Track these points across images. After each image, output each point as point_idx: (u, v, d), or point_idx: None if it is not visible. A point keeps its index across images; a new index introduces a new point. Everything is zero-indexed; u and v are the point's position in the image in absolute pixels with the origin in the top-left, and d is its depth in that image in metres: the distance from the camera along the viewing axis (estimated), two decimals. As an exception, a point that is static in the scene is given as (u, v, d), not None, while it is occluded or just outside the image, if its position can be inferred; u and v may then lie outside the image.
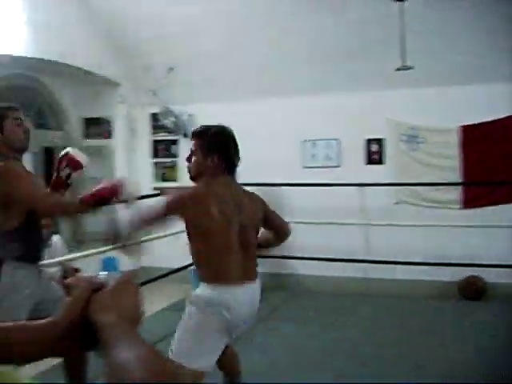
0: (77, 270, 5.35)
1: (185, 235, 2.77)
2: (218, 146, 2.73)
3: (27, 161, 6.54)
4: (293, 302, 5.93)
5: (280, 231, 3.03)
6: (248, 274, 2.72)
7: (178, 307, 5.69)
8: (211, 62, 6.51)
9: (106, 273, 1.02)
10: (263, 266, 6.29)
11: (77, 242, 6.90)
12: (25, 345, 0.95)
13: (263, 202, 2.93)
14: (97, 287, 0.96)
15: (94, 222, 7.16)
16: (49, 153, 7.01)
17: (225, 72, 6.57)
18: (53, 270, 4.98)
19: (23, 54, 5.44)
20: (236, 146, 2.81)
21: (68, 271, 5.25)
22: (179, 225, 2.78)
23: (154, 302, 5.94)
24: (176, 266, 5.81)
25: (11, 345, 0.94)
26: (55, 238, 5.35)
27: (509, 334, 4.66)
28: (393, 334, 4.80)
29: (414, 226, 5.91)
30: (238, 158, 2.81)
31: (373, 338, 4.68)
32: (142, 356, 0.79)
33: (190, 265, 5.70)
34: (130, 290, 0.96)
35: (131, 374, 0.75)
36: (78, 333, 0.92)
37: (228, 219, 2.65)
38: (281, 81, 6.43)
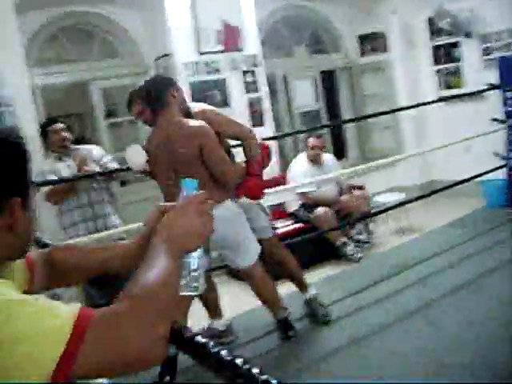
0: (360, 188, 5.43)
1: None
2: None
3: (308, 86, 6.86)
4: None
5: None
6: None
7: (460, 223, 5.45)
8: None
9: (184, 194, 1.07)
10: None
11: (364, 159, 6.98)
12: (113, 262, 1.20)
13: None
14: (165, 209, 1.08)
15: (379, 139, 7.20)
16: (328, 76, 7.12)
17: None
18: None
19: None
20: None
21: (343, 188, 5.34)
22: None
23: (436, 217, 5.77)
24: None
25: (104, 262, 1.20)
26: (328, 156, 5.43)
27: None
28: None
29: None
30: None
31: None
32: (154, 275, 0.88)
33: (478, 175, 5.35)
34: (190, 211, 1.01)
35: (130, 287, 0.86)
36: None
37: None
38: None
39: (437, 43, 6.75)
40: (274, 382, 0.64)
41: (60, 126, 3.75)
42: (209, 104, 5.24)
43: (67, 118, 5.25)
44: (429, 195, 5.23)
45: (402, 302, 3.79)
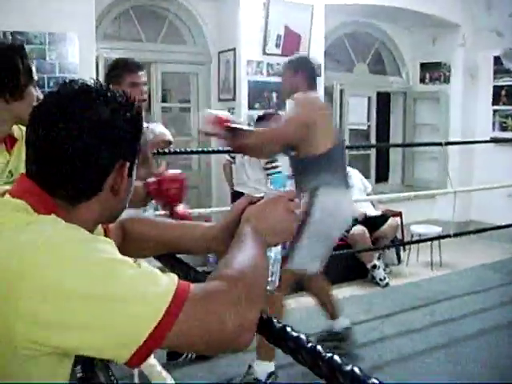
0: (397, 215, 5.39)
1: None
2: None
3: (363, 104, 6.84)
4: None
5: None
6: None
7: (496, 266, 5.37)
8: None
9: (273, 188, 1.11)
10: None
11: (405, 186, 6.92)
12: (189, 240, 1.21)
13: None
14: (253, 201, 1.09)
15: (424, 169, 7.13)
16: (383, 98, 7.08)
17: None
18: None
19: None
20: None
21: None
22: None
23: (469, 257, 5.70)
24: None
25: (180, 238, 1.21)
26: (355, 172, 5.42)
27: None
28: None
29: None
30: None
31: None
32: (246, 259, 0.89)
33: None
34: (280, 206, 1.02)
35: (222, 267, 0.88)
36: (230, 236, 1.04)
37: None
38: None
39: (499, 83, 6.66)
40: (376, 381, 0.62)
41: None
42: (264, 105, 5.38)
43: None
44: (467, 233, 5.17)
45: (425, 335, 3.74)
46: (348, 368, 0.67)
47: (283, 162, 4.08)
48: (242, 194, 4.19)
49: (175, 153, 3.68)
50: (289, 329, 0.81)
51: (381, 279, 4.84)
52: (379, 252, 5.20)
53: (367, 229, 4.93)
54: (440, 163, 6.96)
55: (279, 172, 4.50)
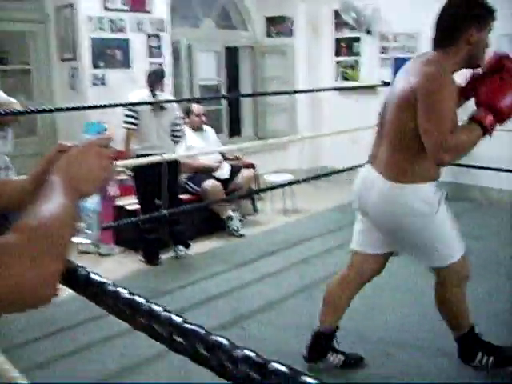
0: (250, 166, 5.56)
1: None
2: None
3: (212, 59, 6.87)
4: (474, 215, 5.53)
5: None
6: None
7: (345, 208, 5.74)
8: None
9: (86, 136, 1.02)
10: (445, 175, 6.04)
11: (258, 139, 7.10)
12: (8, 197, 1.13)
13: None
14: (63, 149, 1.02)
15: (275, 120, 7.35)
16: (232, 52, 7.14)
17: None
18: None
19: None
20: None
21: (233, 166, 5.42)
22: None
23: (320, 201, 6.04)
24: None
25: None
26: (208, 127, 5.44)
27: None
28: None
29: None
30: None
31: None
32: (49, 210, 0.84)
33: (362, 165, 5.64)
34: (91, 153, 0.97)
35: (23, 220, 0.81)
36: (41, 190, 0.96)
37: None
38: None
39: (339, 36, 6.98)
40: (178, 319, 0.65)
41: None
42: (109, 63, 5.20)
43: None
44: (314, 178, 5.46)
45: (282, 279, 3.94)
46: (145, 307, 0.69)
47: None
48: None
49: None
50: (94, 276, 0.81)
51: (235, 229, 4.99)
52: (235, 204, 5.34)
53: (220, 182, 5.02)
54: (290, 115, 7.22)
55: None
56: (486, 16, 2.26)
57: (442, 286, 2.55)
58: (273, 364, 0.55)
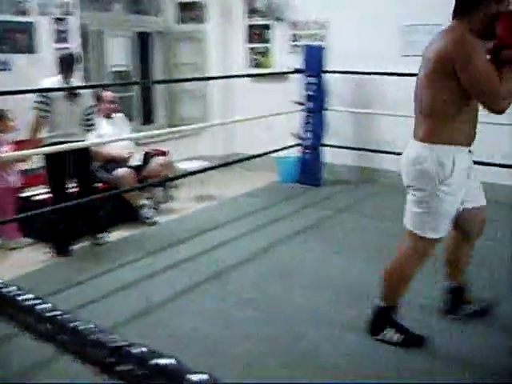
0: (163, 153, 5.54)
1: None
2: None
3: (123, 45, 6.75)
4: (376, 197, 5.79)
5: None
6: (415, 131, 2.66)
7: (256, 193, 5.89)
8: None
9: None
10: (348, 158, 6.30)
11: (172, 126, 7.06)
12: None
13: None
14: None
15: (188, 107, 7.33)
16: (144, 38, 7.04)
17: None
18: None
19: None
20: None
21: (147, 153, 5.40)
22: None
23: (235, 187, 6.14)
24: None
25: None
26: (119, 115, 5.39)
27: None
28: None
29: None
30: None
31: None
32: None
33: (274, 151, 5.80)
34: None
35: None
36: None
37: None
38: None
39: (252, 22, 7.04)
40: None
41: None
42: (12, 48, 4.99)
43: None
44: (227, 164, 5.54)
45: (196, 264, 3.98)
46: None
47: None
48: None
49: None
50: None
51: (147, 218, 4.97)
52: (149, 192, 5.31)
53: (134, 170, 4.98)
54: (203, 102, 7.23)
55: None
56: None
57: (406, 252, 2.73)
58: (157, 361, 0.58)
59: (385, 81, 5.86)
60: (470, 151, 2.61)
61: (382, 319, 2.83)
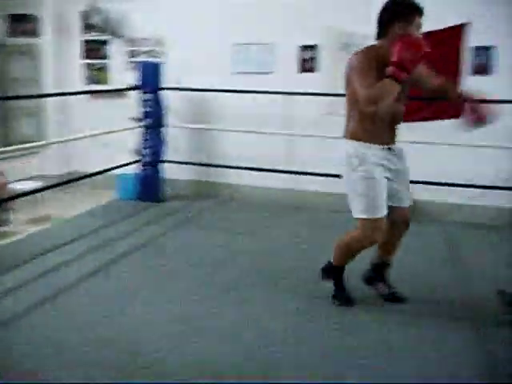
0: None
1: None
2: None
3: None
4: (215, 211, 5.98)
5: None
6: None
7: (94, 212, 5.82)
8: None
9: None
10: (191, 174, 6.44)
11: (6, 145, 6.75)
12: None
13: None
14: None
15: (23, 125, 7.04)
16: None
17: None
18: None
19: None
20: None
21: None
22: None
23: (73, 207, 6.01)
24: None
25: None
26: None
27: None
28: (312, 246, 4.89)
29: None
30: None
31: (277, 251, 4.72)
32: None
33: (112, 168, 5.78)
34: None
35: None
36: None
37: None
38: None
39: (89, 38, 6.93)
40: None
41: None
42: None
43: None
44: (65, 183, 5.42)
45: (30, 292, 3.83)
46: None
47: None
48: None
49: None
50: None
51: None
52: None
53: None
54: (38, 119, 7.00)
55: None
56: (408, 13, 2.94)
57: (351, 233, 3.30)
58: None
59: (220, 97, 6.08)
60: (389, 149, 3.19)
61: (330, 271, 3.58)
